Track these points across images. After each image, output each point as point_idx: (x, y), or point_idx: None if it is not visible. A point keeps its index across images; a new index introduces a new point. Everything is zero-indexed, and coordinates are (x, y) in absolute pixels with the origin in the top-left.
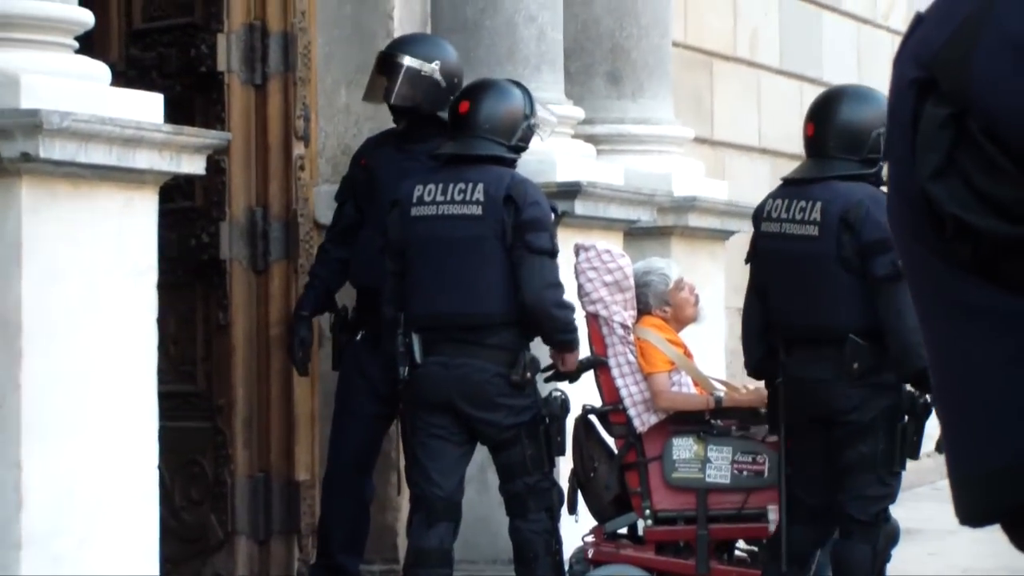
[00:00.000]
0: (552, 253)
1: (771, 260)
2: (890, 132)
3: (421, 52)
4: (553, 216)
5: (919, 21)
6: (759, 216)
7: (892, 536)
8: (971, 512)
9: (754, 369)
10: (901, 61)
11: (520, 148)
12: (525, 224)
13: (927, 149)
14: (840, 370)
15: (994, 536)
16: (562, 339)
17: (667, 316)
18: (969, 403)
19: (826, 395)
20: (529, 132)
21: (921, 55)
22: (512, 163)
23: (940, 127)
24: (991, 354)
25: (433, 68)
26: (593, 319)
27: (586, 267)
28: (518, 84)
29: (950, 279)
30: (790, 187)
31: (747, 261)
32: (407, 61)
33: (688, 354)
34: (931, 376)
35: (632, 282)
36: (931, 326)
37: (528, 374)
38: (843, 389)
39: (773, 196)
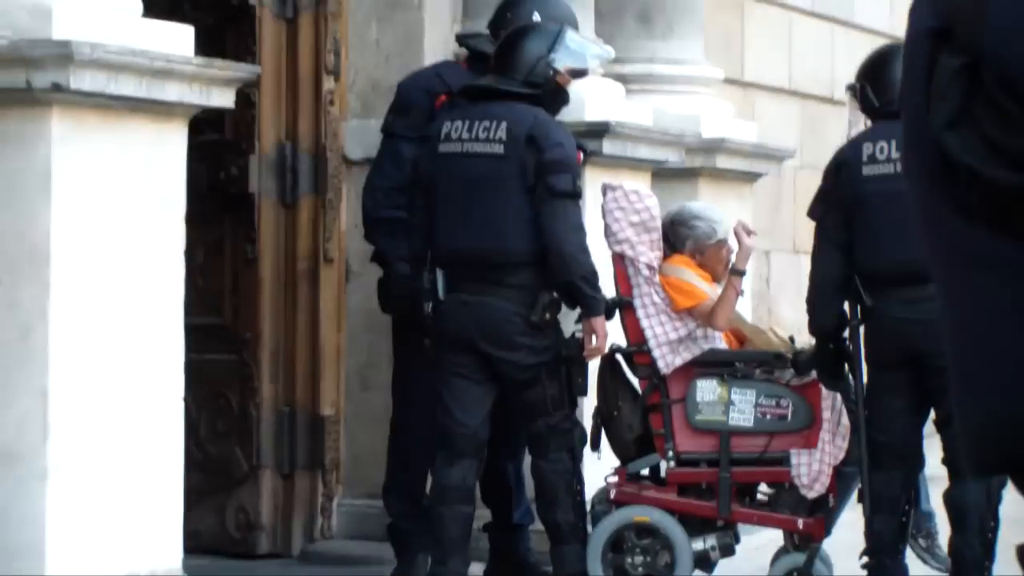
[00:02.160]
0: (574, 195)
1: (878, 202)
2: (905, 81)
3: (546, 11)
4: (581, 155)
5: None
6: (856, 162)
7: (1004, 478)
8: (979, 461)
9: (832, 327)
10: (917, 10)
11: (536, 84)
12: (547, 165)
13: (941, 99)
14: None
15: None
16: (585, 292)
17: (696, 262)
18: (977, 353)
19: (926, 336)
20: (546, 69)
21: (938, 4)
22: (537, 100)
23: (954, 77)
24: (1000, 304)
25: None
26: (619, 259)
27: (613, 207)
28: (561, 26)
29: (962, 229)
30: (881, 127)
31: (816, 216)
32: (536, 18)
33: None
34: (944, 325)
35: (659, 223)
36: (942, 275)
37: (547, 315)
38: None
39: (871, 140)
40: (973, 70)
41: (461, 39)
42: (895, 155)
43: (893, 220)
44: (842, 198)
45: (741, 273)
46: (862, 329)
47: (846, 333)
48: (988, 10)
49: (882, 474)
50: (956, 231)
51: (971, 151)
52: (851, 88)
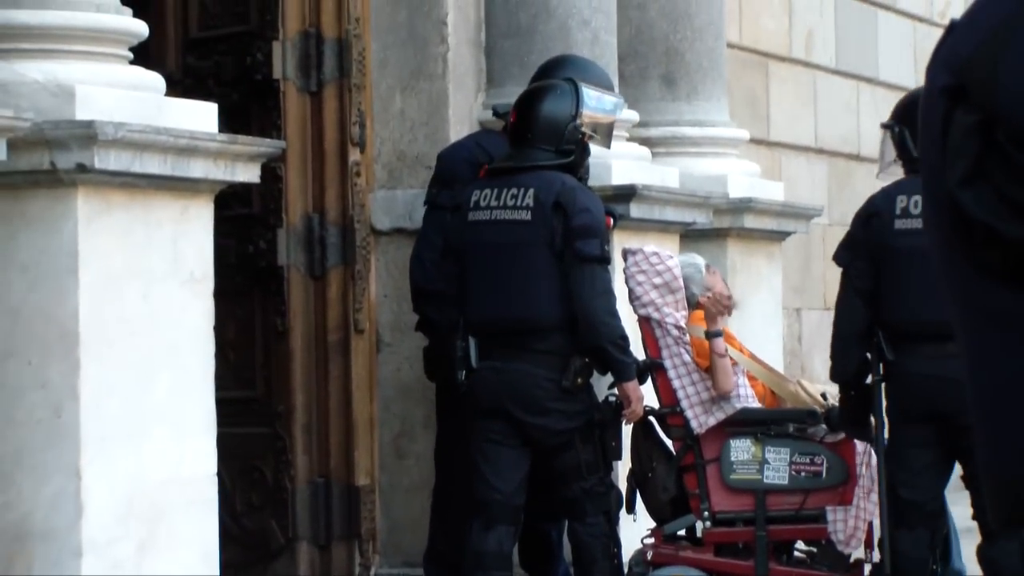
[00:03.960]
0: (602, 260)
1: (907, 257)
2: (922, 139)
3: (585, 78)
4: (612, 221)
5: (952, 28)
6: (888, 215)
7: None
8: (1002, 517)
9: (853, 375)
10: (933, 68)
11: (569, 151)
12: (575, 231)
13: (956, 156)
14: None
15: None
16: (614, 357)
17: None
18: (998, 409)
19: (949, 394)
20: (576, 133)
21: (952, 62)
22: (567, 167)
23: (968, 134)
24: (1017, 360)
25: None
26: (645, 322)
27: (635, 271)
28: (573, 82)
29: (981, 286)
30: (917, 180)
31: (842, 262)
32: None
33: (743, 351)
34: (967, 382)
35: (682, 283)
36: (963, 331)
37: (579, 380)
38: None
39: (906, 192)
40: (987, 127)
41: (496, 110)
42: (915, 211)
43: (921, 276)
44: (871, 248)
45: (715, 335)
46: (883, 385)
47: (869, 380)
48: (1000, 68)
49: (909, 533)
50: (975, 288)
51: (986, 207)
52: (887, 127)
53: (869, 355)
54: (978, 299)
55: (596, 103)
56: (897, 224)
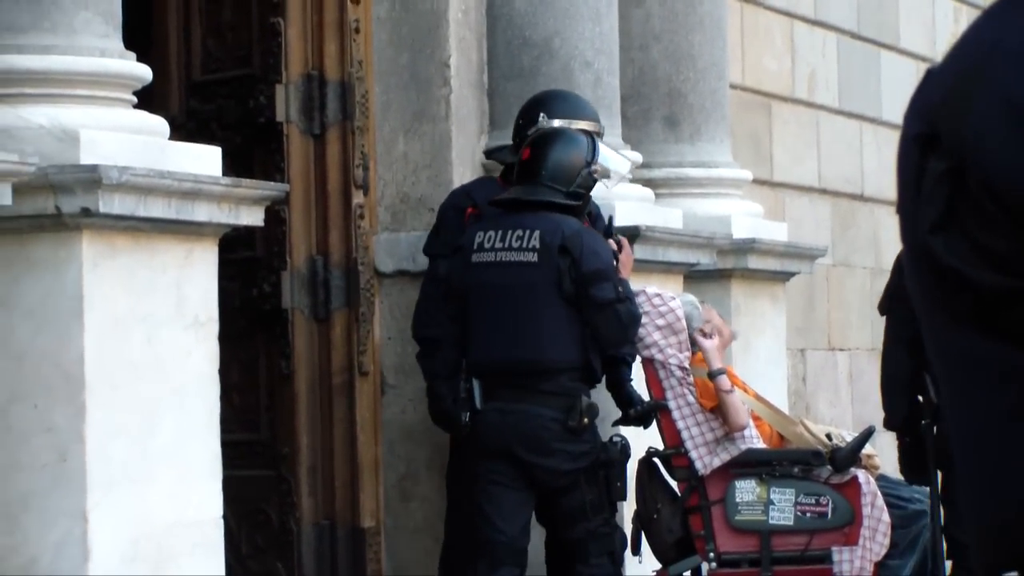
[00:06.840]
0: (619, 300)
1: None
2: (898, 187)
3: (566, 113)
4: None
5: (928, 75)
6: None
7: None
8: (985, 562)
9: (904, 421)
10: (908, 116)
11: (579, 195)
12: (585, 277)
13: (927, 202)
14: None
15: None
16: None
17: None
18: (975, 454)
19: None
20: (589, 179)
21: (924, 110)
22: (574, 209)
23: (939, 181)
24: (993, 406)
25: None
26: (649, 364)
27: None
28: (587, 132)
29: (955, 332)
30: None
31: (884, 311)
32: (556, 123)
33: (747, 391)
34: (949, 425)
35: (684, 324)
36: (943, 377)
37: (585, 420)
38: None
39: None
40: (958, 174)
41: (488, 153)
42: None
43: None
44: (908, 294)
45: (718, 373)
46: (935, 428)
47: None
48: (968, 115)
49: None
50: (950, 334)
51: (956, 253)
52: None
53: (921, 398)
54: (953, 345)
55: (608, 154)
56: None
